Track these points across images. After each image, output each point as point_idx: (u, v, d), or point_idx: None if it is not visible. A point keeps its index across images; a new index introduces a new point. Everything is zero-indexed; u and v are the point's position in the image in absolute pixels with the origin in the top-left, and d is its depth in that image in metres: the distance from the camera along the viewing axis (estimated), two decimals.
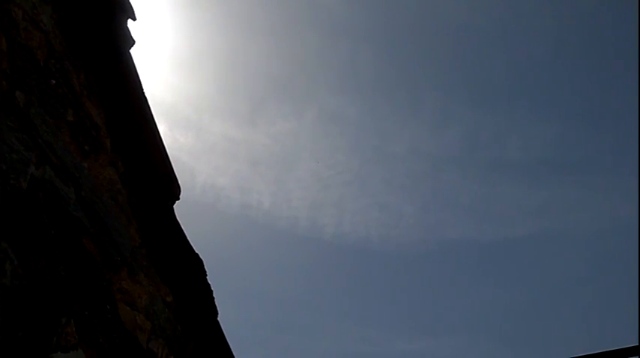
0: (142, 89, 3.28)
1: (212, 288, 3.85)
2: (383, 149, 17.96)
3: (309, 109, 17.45)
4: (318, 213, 17.93)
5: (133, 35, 3.18)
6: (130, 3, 3.11)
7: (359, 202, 18.26)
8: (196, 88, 15.51)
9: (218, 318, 3.96)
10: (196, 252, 3.70)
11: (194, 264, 3.73)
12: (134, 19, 3.19)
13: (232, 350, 4.11)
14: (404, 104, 17.85)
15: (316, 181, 17.96)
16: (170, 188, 3.48)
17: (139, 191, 3.41)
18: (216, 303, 3.94)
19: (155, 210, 3.46)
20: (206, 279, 3.81)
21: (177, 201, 3.56)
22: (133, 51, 3.26)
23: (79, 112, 2.91)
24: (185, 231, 3.67)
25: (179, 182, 3.54)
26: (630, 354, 4.97)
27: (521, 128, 17.32)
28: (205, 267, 3.76)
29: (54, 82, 2.75)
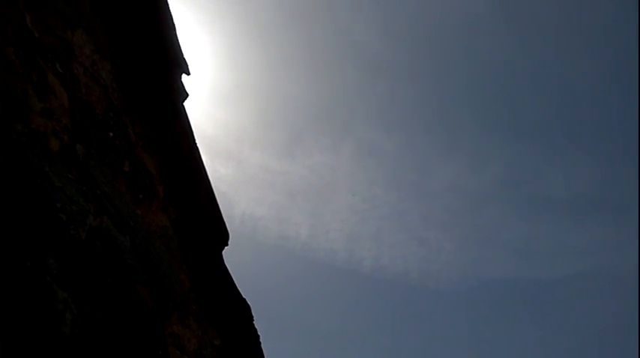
0: (194, 140, 3.40)
1: (259, 333, 3.89)
2: (421, 184, 17.88)
3: (347, 142, 17.57)
4: (355, 246, 17.87)
5: (187, 89, 3.32)
6: (184, 59, 3.26)
7: (397, 236, 18.13)
8: (237, 120, 15.85)
9: None
10: (244, 297, 3.76)
11: (242, 309, 3.78)
12: (188, 73, 3.34)
13: None
14: (442, 139, 17.80)
15: (353, 214, 17.95)
16: (220, 235, 3.57)
17: (190, 237, 3.51)
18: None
19: (205, 256, 3.54)
20: (253, 324, 3.85)
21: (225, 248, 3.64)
22: (186, 103, 3.40)
23: (134, 162, 3.04)
24: (233, 276, 3.74)
25: (227, 229, 3.63)
26: None
27: (562, 164, 17.01)
28: (252, 312, 3.81)
29: (111, 134, 2.88)
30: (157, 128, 3.30)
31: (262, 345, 3.96)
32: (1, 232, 1.84)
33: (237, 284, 3.81)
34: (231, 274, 3.75)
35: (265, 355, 3.95)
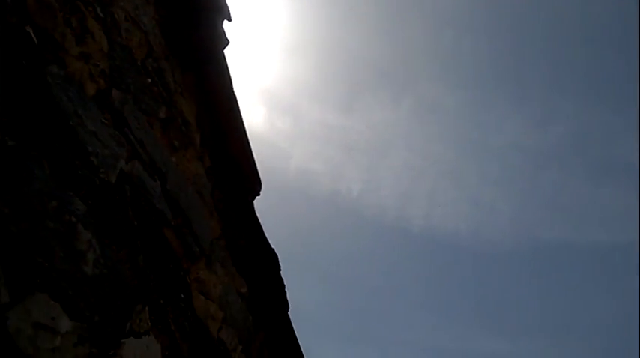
0: (232, 88, 3.42)
1: (285, 283, 3.97)
2: (481, 142, 17.48)
3: (408, 98, 17.28)
4: (407, 204, 17.80)
5: (228, 36, 3.31)
6: (226, 5, 3.24)
7: (451, 195, 17.92)
8: (297, 73, 15.77)
9: (289, 312, 4.08)
10: (272, 247, 3.83)
11: (269, 258, 3.86)
12: (229, 20, 3.33)
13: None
14: (507, 96, 17.24)
15: (408, 170, 17.79)
16: (252, 184, 3.62)
17: (223, 185, 3.57)
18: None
19: (236, 205, 3.61)
20: (280, 274, 3.93)
21: (257, 197, 3.69)
22: (226, 51, 3.40)
23: (171, 109, 3.08)
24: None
25: (260, 178, 3.67)
26: None
27: (633, 129, 16.28)
28: (280, 262, 3.88)
29: (150, 80, 2.92)
30: (196, 75, 3.32)
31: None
32: (29, 172, 1.91)
33: (268, 235, 3.88)
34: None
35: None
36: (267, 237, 3.84)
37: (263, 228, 3.80)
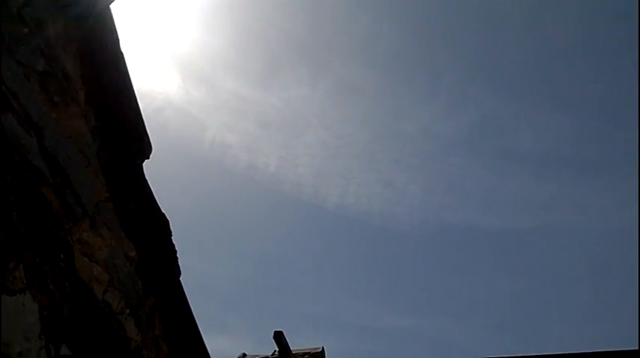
0: (119, 44, 3.30)
1: (176, 248, 3.92)
2: (395, 126, 17.93)
3: (325, 77, 17.38)
4: (323, 182, 18.01)
5: None
6: None
7: (365, 176, 18.31)
8: (214, 42, 15.42)
9: (180, 277, 4.04)
10: (163, 212, 3.76)
11: (160, 223, 3.80)
12: None
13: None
14: (421, 83, 17.74)
15: (324, 150, 17.98)
16: (141, 147, 3.53)
17: (110, 147, 3.46)
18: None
19: (124, 167, 3.51)
20: (171, 239, 3.88)
21: (146, 160, 3.61)
22: (113, 6, 3.28)
23: (51, 62, 2.94)
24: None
25: (151, 141, 3.58)
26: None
27: (536, 119, 17.22)
28: (171, 227, 3.83)
29: (27, 30, 2.77)
30: (80, 29, 3.18)
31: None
32: None
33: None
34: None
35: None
36: (160, 203, 3.77)
37: (154, 193, 3.72)
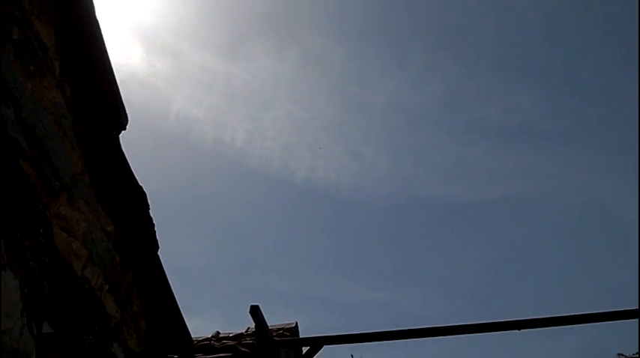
0: (94, 13, 3.18)
1: (154, 222, 3.86)
2: (363, 98, 17.82)
3: (292, 49, 17.11)
4: (291, 155, 17.88)
5: None
6: None
7: (333, 149, 18.20)
8: (178, 12, 15.00)
9: (159, 252, 3.98)
10: (140, 184, 3.68)
11: (137, 197, 3.72)
12: None
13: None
14: (389, 54, 17.63)
15: (292, 123, 17.78)
16: (117, 118, 3.43)
17: (86, 118, 3.35)
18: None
19: (100, 139, 3.41)
20: (149, 213, 3.81)
21: (123, 131, 3.51)
22: None
23: (25, 31, 2.82)
24: (130, 162, 3.65)
25: (127, 112, 3.48)
26: (630, 317, 5.40)
27: (504, 92, 17.29)
28: (148, 200, 3.76)
29: None
30: None
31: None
32: None
33: (146, 181, 3.74)
34: (137, 167, 3.67)
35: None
36: (136, 176, 3.69)
37: (130, 165, 3.64)
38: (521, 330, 5.67)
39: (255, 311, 5.70)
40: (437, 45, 17.33)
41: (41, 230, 2.72)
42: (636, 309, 5.39)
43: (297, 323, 6.64)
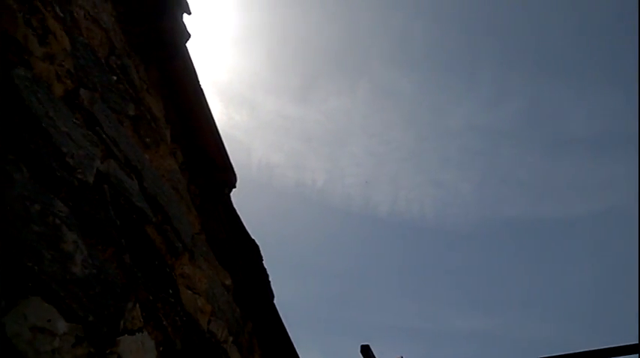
0: (199, 81, 3.39)
1: (268, 272, 3.97)
2: (438, 124, 17.65)
3: (362, 84, 17.32)
4: (372, 190, 17.89)
5: (189, 29, 3.28)
6: None
7: (414, 179, 18.07)
8: (249, 65, 15.63)
9: (274, 300, 4.09)
10: (252, 237, 3.82)
11: (251, 249, 3.86)
12: (189, 13, 3.30)
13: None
14: (459, 77, 17.45)
15: (370, 157, 17.87)
16: (227, 176, 3.60)
17: (198, 180, 3.55)
18: (272, 285, 4.07)
19: (213, 198, 3.59)
20: (262, 264, 3.93)
21: (234, 189, 3.68)
22: (189, 44, 3.37)
23: (139, 106, 3.05)
24: (241, 217, 3.80)
25: (235, 170, 3.65)
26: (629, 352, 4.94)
27: (585, 99, 16.57)
28: (262, 252, 3.89)
29: (115, 77, 2.88)
30: (160, 70, 3.29)
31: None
32: (8, 176, 1.88)
33: (246, 227, 3.88)
34: (242, 217, 3.81)
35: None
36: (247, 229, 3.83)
37: (242, 220, 3.79)
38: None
39: (365, 351, 5.67)
40: (506, 60, 16.90)
41: (170, 290, 2.88)
42: None
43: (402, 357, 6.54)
